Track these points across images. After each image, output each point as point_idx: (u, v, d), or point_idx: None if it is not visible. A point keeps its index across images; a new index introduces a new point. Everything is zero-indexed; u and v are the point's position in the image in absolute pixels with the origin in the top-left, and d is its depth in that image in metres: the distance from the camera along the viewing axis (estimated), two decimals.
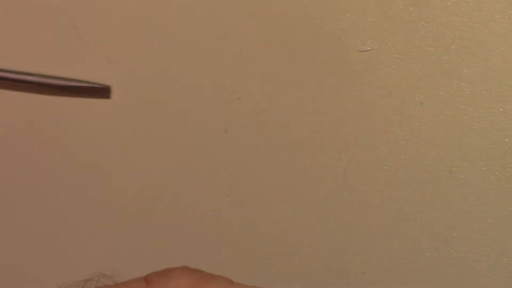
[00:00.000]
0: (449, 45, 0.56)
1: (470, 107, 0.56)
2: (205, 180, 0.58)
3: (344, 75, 0.57)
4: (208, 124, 0.58)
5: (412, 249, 0.56)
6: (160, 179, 0.59)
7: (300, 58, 0.57)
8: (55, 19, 0.60)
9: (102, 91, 0.58)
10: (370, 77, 0.57)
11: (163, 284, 0.20)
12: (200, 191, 0.58)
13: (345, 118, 0.57)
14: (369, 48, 0.57)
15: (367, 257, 0.57)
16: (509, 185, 0.55)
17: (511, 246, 0.56)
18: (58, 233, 0.59)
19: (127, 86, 0.59)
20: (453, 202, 0.56)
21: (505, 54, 0.55)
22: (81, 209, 0.59)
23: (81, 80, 0.58)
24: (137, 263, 0.58)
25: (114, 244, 0.59)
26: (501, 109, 0.55)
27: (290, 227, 0.57)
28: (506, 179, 0.55)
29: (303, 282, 0.57)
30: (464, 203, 0.56)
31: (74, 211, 0.59)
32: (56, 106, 0.59)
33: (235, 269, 0.58)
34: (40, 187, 0.59)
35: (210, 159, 0.58)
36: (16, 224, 0.60)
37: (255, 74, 0.58)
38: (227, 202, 0.58)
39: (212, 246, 0.58)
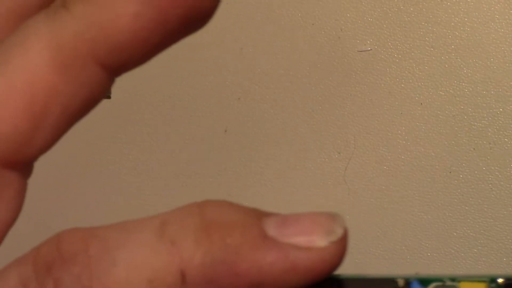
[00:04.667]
0: (449, 45, 0.56)
1: (470, 107, 0.56)
2: (205, 180, 0.58)
3: (344, 75, 0.57)
4: (208, 124, 0.58)
5: (412, 248, 0.56)
6: (160, 178, 0.59)
7: (300, 58, 0.57)
8: None
9: None
10: (370, 77, 0.57)
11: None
12: (200, 190, 0.58)
13: (345, 118, 0.57)
14: (369, 48, 0.57)
15: (367, 257, 0.57)
16: (509, 185, 0.55)
17: (511, 246, 0.56)
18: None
19: (127, 86, 0.59)
20: (453, 202, 0.56)
21: (505, 54, 0.55)
22: (81, 208, 0.59)
23: None
24: None
25: None
26: (501, 109, 0.56)
27: None
28: (506, 179, 0.55)
29: None
30: (464, 203, 0.56)
31: (74, 211, 0.59)
32: None
33: None
34: (40, 187, 0.59)
35: (210, 158, 0.58)
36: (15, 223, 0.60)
37: (255, 74, 0.58)
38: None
39: None
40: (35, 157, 0.19)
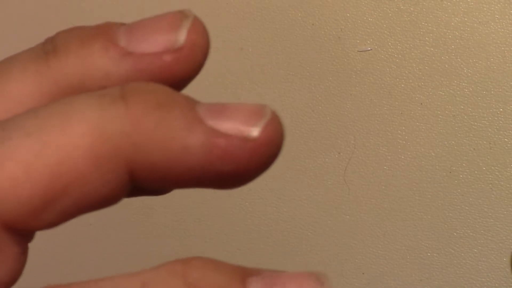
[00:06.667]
0: (449, 45, 0.56)
1: (470, 107, 0.56)
2: None
3: (344, 75, 0.57)
4: None
5: (412, 249, 0.56)
6: None
7: (300, 58, 0.57)
8: (55, 19, 0.60)
9: None
10: (370, 77, 0.57)
11: None
12: (201, 190, 0.58)
13: (345, 118, 0.57)
14: (369, 48, 0.57)
15: (367, 257, 0.57)
16: (509, 185, 0.55)
17: (511, 246, 0.56)
18: (56, 235, 0.59)
19: None
20: (453, 202, 0.56)
21: (505, 54, 0.55)
22: None
23: None
24: (136, 262, 0.58)
25: (114, 242, 0.59)
26: (501, 109, 0.56)
27: (290, 227, 0.57)
28: (506, 179, 0.55)
29: None
30: (464, 203, 0.56)
31: None
32: None
33: None
34: None
35: None
36: None
37: (255, 74, 0.58)
38: (227, 201, 0.58)
39: (212, 245, 0.58)
40: (37, 230, 0.19)
